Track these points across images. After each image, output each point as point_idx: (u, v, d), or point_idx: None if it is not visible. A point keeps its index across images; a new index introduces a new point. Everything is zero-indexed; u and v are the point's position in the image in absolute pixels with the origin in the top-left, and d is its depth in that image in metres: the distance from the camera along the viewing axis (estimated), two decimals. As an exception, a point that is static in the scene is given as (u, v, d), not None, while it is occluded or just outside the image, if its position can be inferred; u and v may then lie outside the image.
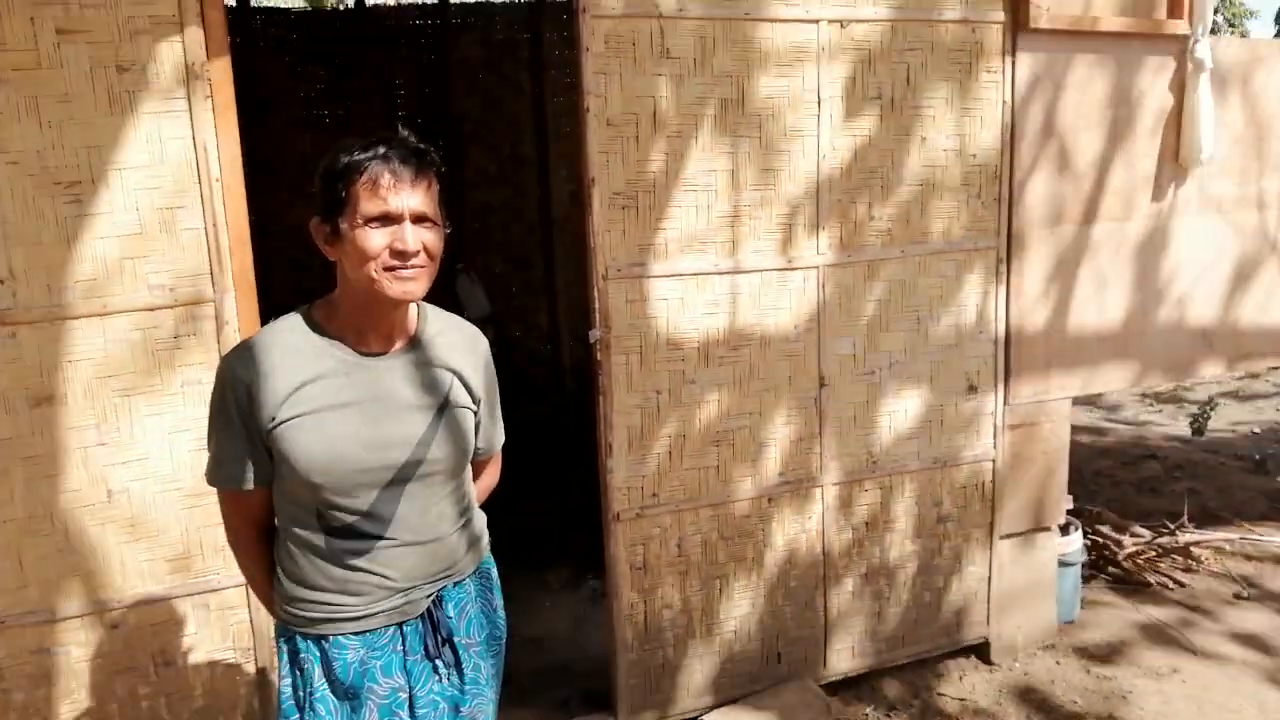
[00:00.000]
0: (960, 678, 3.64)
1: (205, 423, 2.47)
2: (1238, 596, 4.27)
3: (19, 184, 2.32)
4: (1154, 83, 3.61)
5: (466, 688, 1.93)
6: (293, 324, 1.76)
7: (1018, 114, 3.39)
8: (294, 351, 1.72)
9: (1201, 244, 3.83)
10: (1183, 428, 7.06)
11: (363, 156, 1.65)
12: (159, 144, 2.42)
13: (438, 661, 1.89)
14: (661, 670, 3.23)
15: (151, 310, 2.48)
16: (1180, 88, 3.63)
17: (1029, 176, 3.46)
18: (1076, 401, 7.91)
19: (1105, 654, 3.78)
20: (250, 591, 2.65)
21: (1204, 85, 3.58)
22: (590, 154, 2.87)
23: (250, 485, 1.77)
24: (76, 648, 2.57)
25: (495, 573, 2.07)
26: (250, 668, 2.73)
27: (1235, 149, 3.84)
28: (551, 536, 4.78)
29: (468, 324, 1.97)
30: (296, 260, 5.07)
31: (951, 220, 3.36)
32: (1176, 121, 3.65)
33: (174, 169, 2.44)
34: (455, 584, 1.92)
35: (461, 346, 1.90)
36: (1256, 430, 7.22)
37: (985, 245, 3.42)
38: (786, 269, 3.15)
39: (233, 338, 2.53)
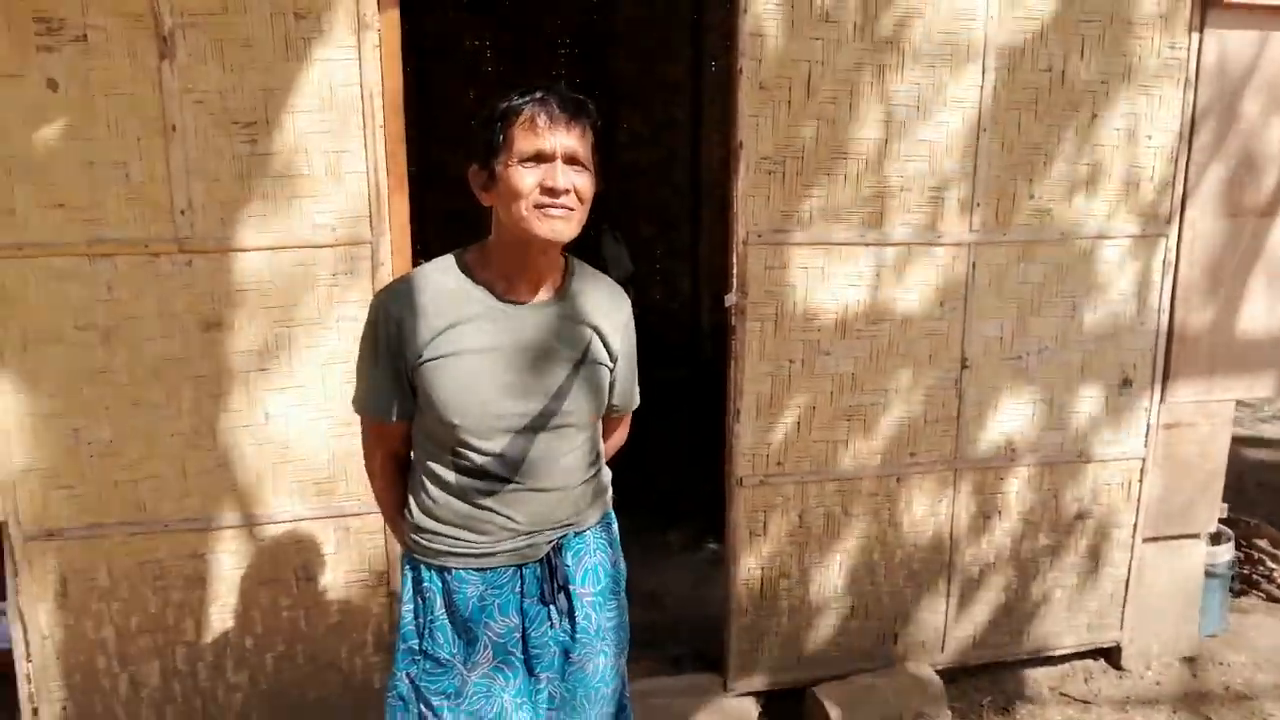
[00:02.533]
0: (1086, 680, 3.51)
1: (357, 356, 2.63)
2: None
3: (202, 122, 2.49)
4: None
5: (577, 636, 1.97)
6: (445, 266, 1.83)
7: (1200, 96, 3.17)
8: (445, 293, 1.79)
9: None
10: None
11: (521, 101, 1.72)
12: (329, 90, 2.54)
13: (551, 607, 1.94)
14: (774, 637, 3.24)
15: (314, 248, 2.63)
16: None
17: (1208, 162, 3.24)
18: (1244, 406, 7.41)
19: (1249, 673, 3.56)
20: (387, 520, 2.80)
21: None
22: (740, 117, 2.85)
23: (394, 418, 1.86)
24: (228, 556, 2.77)
25: (616, 528, 2.11)
26: (382, 592, 2.89)
27: None
28: (677, 497, 4.83)
29: (613, 283, 2.00)
30: (454, 213, 5.24)
31: (1118, 204, 3.18)
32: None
33: (341, 114, 2.57)
34: (576, 534, 1.97)
35: (605, 304, 1.93)
36: None
37: (1154, 233, 3.23)
38: (935, 244, 3.06)
39: (386, 279, 2.66)
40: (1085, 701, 3.39)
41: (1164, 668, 3.58)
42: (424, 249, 2.71)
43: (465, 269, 1.82)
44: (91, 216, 2.49)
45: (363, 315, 2.66)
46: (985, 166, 3.04)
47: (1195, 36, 3.10)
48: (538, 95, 1.71)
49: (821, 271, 2.99)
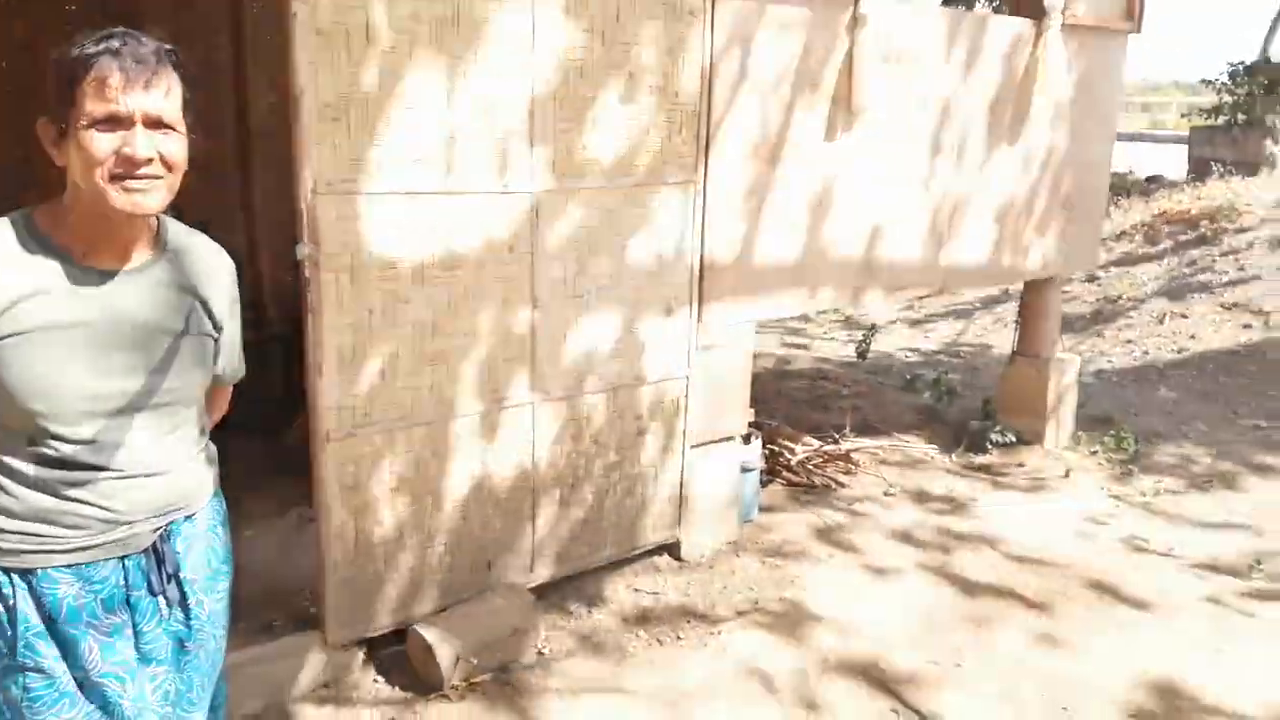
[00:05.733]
0: (656, 575, 3.99)
1: None
2: (886, 494, 4.97)
3: None
4: (832, 37, 4.00)
5: (191, 624, 1.86)
6: (6, 230, 1.60)
7: (716, 58, 3.64)
8: (9, 262, 1.57)
9: (867, 185, 4.33)
10: (851, 352, 7.94)
11: (92, 51, 1.52)
12: None
13: (161, 598, 1.81)
14: (372, 586, 3.29)
15: None
16: (853, 41, 4.05)
17: (725, 117, 3.75)
18: (766, 327, 8.65)
19: (778, 547, 4.28)
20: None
21: (868, 40, 4.01)
22: (298, 63, 2.78)
23: None
24: None
25: (224, 506, 2.00)
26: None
27: (897, 100, 4.34)
28: (250, 465, 4.63)
29: (213, 243, 1.86)
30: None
31: (655, 155, 3.58)
32: (849, 74, 4.08)
33: None
34: (186, 518, 1.84)
35: (206, 268, 1.80)
36: (909, 354, 8.27)
37: (684, 180, 3.68)
38: (502, 193, 3.23)
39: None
40: (655, 593, 3.87)
41: (714, 554, 4.18)
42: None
43: (35, 232, 1.61)
44: None
45: None
46: (542, 120, 3.26)
47: (709, 4, 3.56)
48: (112, 45, 1.52)
49: (395, 221, 3.03)
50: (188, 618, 1.86)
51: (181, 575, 1.84)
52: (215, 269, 1.84)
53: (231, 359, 1.97)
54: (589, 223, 3.47)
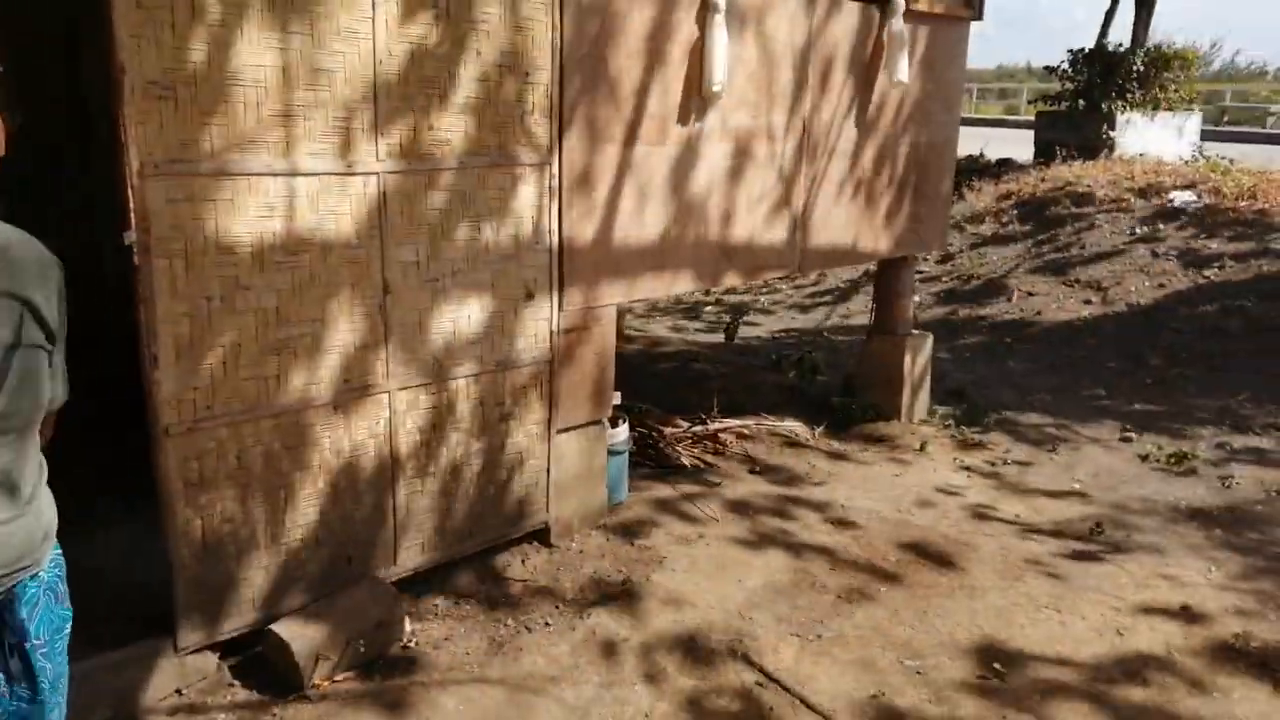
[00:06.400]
0: (523, 561, 3.96)
1: None
2: (751, 472, 5.06)
3: None
4: (684, 18, 4.03)
5: (39, 697, 1.68)
6: None
7: (567, 37, 3.62)
8: None
9: (723, 168, 4.38)
10: (721, 335, 8.06)
11: None
12: None
13: (2, 676, 1.62)
14: (224, 585, 3.15)
15: None
16: (703, 24, 4.08)
17: (579, 98, 3.73)
18: (642, 311, 8.68)
19: (647, 528, 4.30)
20: None
21: (719, 22, 4.05)
22: (119, 38, 2.62)
23: None
24: None
25: (61, 556, 1.79)
26: None
27: (750, 84, 4.41)
28: (97, 464, 4.38)
29: (36, 243, 1.64)
30: None
31: (508, 135, 3.53)
32: (700, 55, 4.11)
33: None
34: (32, 577, 1.64)
35: (30, 269, 1.58)
36: (782, 335, 8.44)
37: (539, 161, 3.64)
38: (346, 174, 3.13)
39: None
40: (524, 580, 3.83)
41: (584, 537, 4.18)
42: None
43: None
44: None
45: None
46: (385, 98, 3.17)
47: (556, -15, 3.53)
48: None
49: (232, 203, 2.90)
50: (35, 691, 1.67)
51: (27, 645, 1.65)
52: (42, 271, 1.62)
53: (57, 380, 1.73)
54: (440, 205, 3.40)
